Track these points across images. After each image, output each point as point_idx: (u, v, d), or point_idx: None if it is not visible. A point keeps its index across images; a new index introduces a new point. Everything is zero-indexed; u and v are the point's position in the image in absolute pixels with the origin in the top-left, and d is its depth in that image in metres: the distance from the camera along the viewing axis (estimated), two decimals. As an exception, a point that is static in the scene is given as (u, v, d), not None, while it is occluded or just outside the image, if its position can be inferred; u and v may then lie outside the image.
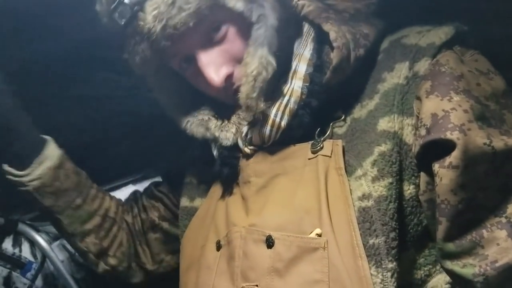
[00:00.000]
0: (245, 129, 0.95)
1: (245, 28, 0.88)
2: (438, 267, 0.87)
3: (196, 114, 0.99)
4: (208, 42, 0.89)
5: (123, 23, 0.86)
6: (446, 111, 0.79)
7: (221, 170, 1.00)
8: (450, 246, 0.79)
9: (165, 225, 1.24)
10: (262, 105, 0.89)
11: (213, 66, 0.89)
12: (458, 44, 0.88)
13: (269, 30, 0.85)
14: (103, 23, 0.92)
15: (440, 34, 0.87)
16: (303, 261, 0.82)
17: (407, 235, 0.84)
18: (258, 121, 0.92)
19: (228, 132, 0.96)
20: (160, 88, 1.01)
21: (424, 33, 0.89)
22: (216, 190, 1.05)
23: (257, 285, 0.85)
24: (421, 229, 0.86)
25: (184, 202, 1.14)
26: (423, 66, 0.85)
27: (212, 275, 0.93)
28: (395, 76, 0.87)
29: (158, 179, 1.41)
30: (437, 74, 0.83)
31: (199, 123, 0.98)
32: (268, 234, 0.85)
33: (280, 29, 0.86)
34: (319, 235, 0.81)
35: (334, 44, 0.87)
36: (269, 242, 0.85)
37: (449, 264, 0.80)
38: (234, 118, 0.96)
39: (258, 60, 0.85)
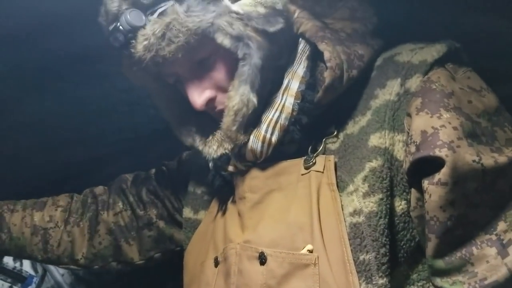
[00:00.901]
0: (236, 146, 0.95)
1: (232, 61, 0.89)
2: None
3: (188, 123, 1.01)
4: (196, 69, 0.91)
5: (117, 46, 0.88)
6: (436, 128, 0.78)
7: (213, 180, 1.02)
8: (440, 263, 0.78)
9: (161, 224, 1.22)
10: (241, 137, 0.91)
11: (197, 90, 0.92)
12: (450, 61, 0.88)
13: (253, 69, 0.87)
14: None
15: (432, 51, 0.87)
16: (295, 278, 0.81)
17: (400, 251, 0.84)
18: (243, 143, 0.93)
19: (210, 148, 0.96)
20: (158, 96, 1.02)
21: (417, 50, 0.89)
22: (215, 205, 1.05)
23: None
24: (414, 245, 0.85)
25: (188, 213, 1.14)
26: (414, 83, 0.85)
27: None
28: (387, 92, 0.87)
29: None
30: (427, 91, 0.83)
31: (188, 133, 1.00)
32: (261, 251, 0.85)
33: (266, 66, 0.88)
34: (311, 251, 0.81)
35: (328, 64, 0.87)
36: (262, 259, 0.85)
37: (438, 281, 0.80)
38: (218, 135, 0.96)
39: (239, 97, 0.87)
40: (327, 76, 0.87)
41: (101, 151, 1.64)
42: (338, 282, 0.78)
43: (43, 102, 1.34)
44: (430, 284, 0.85)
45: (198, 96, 0.91)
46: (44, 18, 1.04)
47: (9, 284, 1.70)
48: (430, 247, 0.79)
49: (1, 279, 1.70)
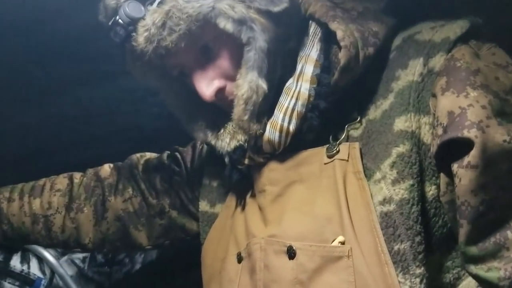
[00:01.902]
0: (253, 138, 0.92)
1: (237, 47, 0.86)
2: None
3: (197, 118, 0.97)
4: (201, 58, 0.88)
5: (118, 41, 0.86)
6: (463, 108, 0.74)
7: (230, 175, 0.98)
8: (473, 250, 0.75)
9: (174, 213, 1.18)
10: (254, 127, 0.87)
11: (205, 80, 0.88)
12: (473, 38, 0.84)
13: (259, 53, 0.84)
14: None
15: (454, 28, 0.83)
16: (327, 271, 0.78)
17: (433, 238, 0.80)
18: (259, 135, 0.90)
19: (223, 142, 0.94)
20: (166, 91, 0.99)
21: (438, 28, 0.85)
22: (233, 199, 1.02)
23: None
24: (446, 231, 0.81)
25: (204, 206, 1.10)
26: (438, 62, 0.81)
27: None
28: (410, 73, 0.83)
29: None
30: (452, 69, 0.79)
31: (199, 129, 0.97)
32: (289, 245, 0.82)
33: (273, 49, 0.85)
34: (342, 243, 0.78)
35: (342, 44, 0.83)
36: (291, 253, 0.81)
37: (473, 269, 0.76)
38: (230, 127, 0.93)
39: (248, 84, 0.84)
40: (342, 56, 0.83)
41: (105, 151, 1.63)
42: (373, 274, 0.75)
43: (47, 103, 1.33)
44: (465, 271, 0.81)
45: (207, 87, 0.88)
46: (47, 19, 1.03)
47: (17, 287, 1.70)
48: (462, 233, 0.75)
49: (9, 283, 1.68)
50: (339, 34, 0.84)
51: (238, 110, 0.86)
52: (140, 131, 1.57)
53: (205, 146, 1.16)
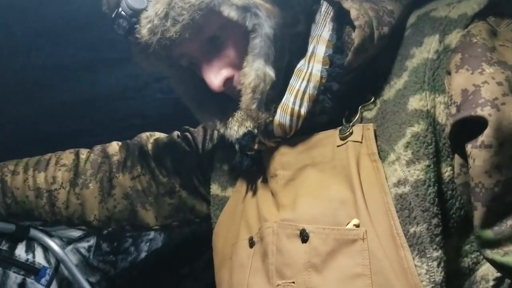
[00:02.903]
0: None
1: (242, 35, 0.84)
2: None
3: (207, 106, 0.97)
4: (207, 48, 0.87)
5: (122, 34, 0.85)
6: (477, 85, 0.71)
7: (241, 161, 0.97)
8: (488, 234, 0.72)
9: (184, 193, 1.17)
10: (263, 116, 0.87)
11: (213, 70, 0.88)
12: (492, 14, 0.81)
13: (265, 40, 0.82)
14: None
15: (472, 4, 0.81)
16: (341, 255, 0.77)
17: (450, 221, 0.78)
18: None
19: (231, 130, 0.93)
20: (175, 80, 0.98)
21: (454, 4, 0.83)
22: (243, 184, 1.01)
23: (293, 282, 0.81)
24: (463, 214, 0.79)
25: (216, 190, 1.09)
26: (454, 38, 0.79)
27: (246, 273, 0.89)
28: (425, 50, 0.81)
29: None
30: (468, 45, 0.76)
31: (208, 117, 0.96)
32: (302, 228, 0.81)
33: (280, 35, 0.84)
34: (357, 226, 0.76)
35: (356, 23, 0.81)
36: (304, 236, 0.80)
37: (489, 253, 0.73)
38: (238, 115, 0.92)
39: (254, 72, 0.83)
40: (356, 36, 0.81)
41: (108, 138, 1.62)
42: (389, 257, 0.74)
43: (49, 91, 1.32)
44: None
45: (215, 77, 0.87)
46: (49, 5, 1.01)
47: (22, 277, 1.70)
48: (477, 216, 0.73)
49: (14, 272, 1.69)
50: (353, 13, 0.82)
51: (246, 99, 0.85)
52: (144, 118, 1.56)
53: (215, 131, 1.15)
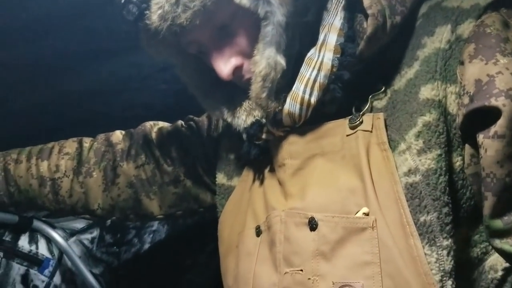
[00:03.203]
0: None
1: (253, 23, 0.84)
2: None
3: (214, 95, 0.96)
4: (217, 35, 0.87)
5: (131, 20, 0.84)
6: (491, 75, 0.72)
7: (249, 151, 0.97)
8: (498, 223, 0.73)
9: (188, 182, 1.16)
10: (273, 105, 0.86)
11: (222, 58, 0.87)
12: (504, 6, 0.81)
13: (277, 28, 0.82)
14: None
15: None
16: (350, 243, 0.77)
17: (460, 211, 0.79)
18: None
19: (239, 119, 0.93)
20: (182, 68, 0.98)
21: None
22: (250, 174, 1.01)
23: (301, 270, 0.81)
24: (473, 204, 0.80)
25: (221, 179, 1.09)
26: (467, 28, 0.79)
27: (252, 261, 0.89)
28: (436, 40, 0.81)
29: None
30: (481, 35, 0.76)
31: (215, 106, 0.96)
32: (310, 216, 0.81)
33: (292, 23, 0.83)
34: (367, 214, 0.77)
35: (369, 12, 0.81)
36: (312, 224, 0.80)
37: (498, 243, 0.75)
38: (246, 105, 0.92)
39: (266, 61, 0.83)
40: (370, 25, 0.81)
41: (112, 128, 1.62)
42: (398, 246, 0.74)
43: (52, 80, 1.32)
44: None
45: (224, 65, 0.87)
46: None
47: (26, 268, 1.70)
48: (487, 206, 0.74)
49: (18, 263, 1.69)
50: (366, 2, 0.81)
51: (256, 88, 0.85)
52: (147, 108, 1.55)
53: (220, 120, 1.15)
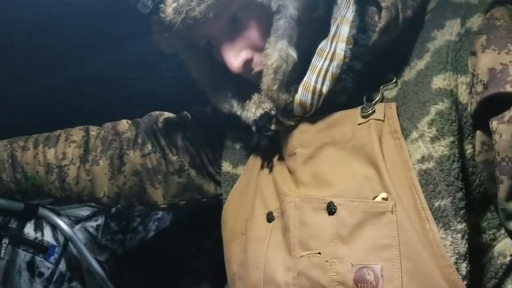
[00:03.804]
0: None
1: (266, 16, 0.86)
2: (503, 231, 0.84)
3: (223, 88, 0.99)
4: (229, 29, 0.89)
5: (146, 13, 0.86)
6: (505, 64, 0.76)
7: (259, 142, 0.98)
8: None
9: (192, 172, 1.18)
10: (283, 97, 0.89)
11: (233, 51, 0.89)
12: (509, 2, 0.85)
13: (289, 21, 0.84)
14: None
15: None
16: (368, 226, 0.80)
17: (469, 197, 0.82)
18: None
19: (248, 112, 0.95)
20: (191, 62, 1.00)
21: None
22: (256, 162, 1.03)
23: (319, 253, 0.83)
24: (483, 191, 0.83)
25: (227, 167, 1.11)
26: (476, 22, 0.83)
27: (264, 247, 0.91)
28: (446, 33, 0.85)
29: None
30: (492, 27, 0.80)
31: (224, 99, 0.98)
32: (329, 201, 0.83)
33: (303, 17, 0.85)
34: (385, 199, 0.79)
35: (383, 4, 0.85)
36: (331, 209, 0.83)
37: None
38: (255, 97, 0.95)
39: (277, 53, 0.85)
40: (383, 17, 0.85)
41: (116, 117, 1.62)
42: (416, 230, 0.77)
43: (55, 69, 1.32)
44: (501, 232, 0.84)
45: (235, 58, 0.89)
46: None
47: (31, 255, 1.72)
48: (502, 189, 0.77)
49: (23, 250, 1.71)
50: None
51: (267, 80, 0.87)
52: (152, 97, 1.55)
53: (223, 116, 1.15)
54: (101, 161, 1.18)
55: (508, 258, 0.84)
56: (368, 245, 0.79)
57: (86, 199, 1.21)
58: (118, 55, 1.31)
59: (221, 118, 1.15)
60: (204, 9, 0.83)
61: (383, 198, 0.79)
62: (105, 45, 1.26)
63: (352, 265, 0.79)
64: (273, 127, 0.95)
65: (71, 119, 1.49)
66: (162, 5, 0.84)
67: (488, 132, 0.79)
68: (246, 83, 0.93)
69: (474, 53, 0.81)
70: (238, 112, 0.96)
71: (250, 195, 1.00)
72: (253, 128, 0.97)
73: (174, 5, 0.83)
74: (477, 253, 0.83)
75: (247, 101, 0.95)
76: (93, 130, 1.23)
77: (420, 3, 0.89)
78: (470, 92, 0.81)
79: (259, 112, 0.94)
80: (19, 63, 1.24)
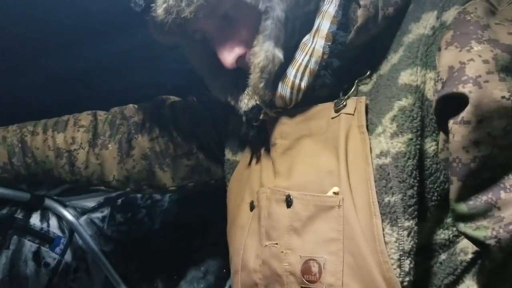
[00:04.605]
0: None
1: (256, 15, 0.88)
2: None
3: (219, 78, 1.01)
4: (222, 25, 0.91)
5: (139, 11, 0.88)
6: (463, 62, 0.74)
7: (247, 132, 1.02)
8: (462, 207, 0.76)
9: (201, 155, 1.23)
10: (269, 94, 0.92)
11: (226, 47, 0.92)
12: None
13: (276, 23, 0.86)
14: None
15: None
16: (319, 220, 0.83)
17: (434, 194, 0.83)
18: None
19: (241, 102, 0.98)
20: (189, 52, 1.03)
21: None
22: (250, 151, 1.07)
23: (277, 244, 0.87)
24: (447, 187, 0.82)
25: (228, 154, 1.15)
26: (451, 15, 0.81)
27: (244, 234, 0.96)
28: (421, 26, 0.84)
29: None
30: (460, 23, 0.78)
31: (220, 89, 1.01)
32: (287, 194, 0.87)
33: (291, 16, 0.87)
34: (336, 193, 0.82)
35: (361, 3, 0.85)
36: (288, 202, 0.86)
37: (462, 227, 0.77)
38: (248, 89, 0.97)
39: (264, 53, 0.87)
40: (360, 15, 0.85)
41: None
42: (362, 225, 0.79)
43: (61, 60, 1.32)
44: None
45: (228, 55, 0.91)
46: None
47: (37, 245, 1.73)
48: (453, 190, 0.76)
49: (29, 240, 1.73)
50: None
51: (254, 77, 0.90)
52: (158, 88, 1.55)
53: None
54: (109, 145, 1.21)
55: (470, 256, 0.83)
56: (316, 238, 0.82)
57: (95, 183, 1.24)
58: (124, 44, 1.31)
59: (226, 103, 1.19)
60: (194, 10, 0.85)
61: (334, 192, 0.81)
62: (111, 35, 1.26)
63: (301, 257, 0.83)
64: (261, 116, 0.97)
65: (76, 109, 1.50)
66: (153, 5, 0.86)
67: (448, 131, 0.78)
68: (242, 74, 0.95)
69: (439, 49, 0.79)
70: (232, 103, 0.99)
71: (244, 183, 1.04)
72: (243, 119, 1.00)
73: (164, 5, 0.85)
74: (438, 249, 0.84)
75: (241, 92, 0.98)
76: (101, 114, 1.26)
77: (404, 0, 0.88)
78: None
79: (251, 104, 0.96)
80: (24, 52, 1.24)
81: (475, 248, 0.83)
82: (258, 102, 0.96)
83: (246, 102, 0.97)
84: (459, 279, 0.85)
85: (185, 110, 1.24)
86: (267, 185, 0.94)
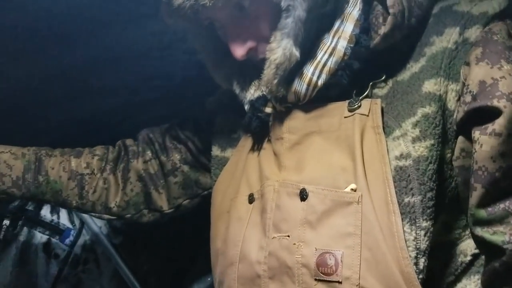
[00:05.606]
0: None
1: (274, 10, 0.90)
2: (467, 232, 0.92)
3: (224, 64, 1.03)
4: (236, 16, 0.93)
5: None
6: (495, 78, 0.82)
7: (250, 122, 1.04)
8: (482, 213, 0.83)
9: (185, 168, 1.27)
10: (282, 90, 0.94)
11: (239, 39, 0.94)
12: (509, 18, 0.90)
13: (296, 22, 0.88)
14: None
15: (493, 4, 0.90)
16: (336, 214, 0.86)
17: (445, 198, 0.89)
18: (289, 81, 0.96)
19: (247, 92, 1.00)
20: (195, 38, 1.04)
21: (476, 2, 0.91)
22: (246, 144, 1.09)
23: (288, 236, 0.89)
24: (456, 193, 0.90)
25: (215, 151, 1.18)
26: (474, 33, 0.88)
27: (243, 226, 0.97)
28: (444, 40, 0.90)
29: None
30: (489, 41, 0.86)
31: (224, 76, 1.03)
32: (302, 187, 0.90)
33: (311, 16, 0.89)
34: (354, 190, 0.85)
35: (391, 11, 0.89)
36: (303, 195, 0.89)
37: (479, 231, 0.84)
38: (256, 80, 0.99)
39: (282, 50, 0.89)
40: (389, 22, 0.89)
41: (132, 99, 1.64)
42: (380, 221, 0.83)
43: (73, 50, 1.33)
44: (466, 233, 0.91)
45: (239, 46, 0.93)
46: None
47: (47, 236, 1.76)
48: (475, 196, 0.83)
49: (40, 232, 1.75)
50: (390, 1, 0.89)
51: (268, 73, 0.92)
52: (168, 79, 1.56)
53: (216, 98, 1.24)
54: (116, 172, 1.28)
55: (469, 257, 0.91)
56: (333, 232, 0.85)
57: (99, 208, 1.29)
58: (135, 34, 1.32)
59: (211, 104, 1.23)
60: None
61: (352, 189, 0.85)
62: (122, 24, 1.27)
63: (316, 250, 0.86)
64: (267, 110, 1.00)
65: (88, 98, 1.52)
66: None
67: (469, 140, 0.85)
68: (248, 63, 0.98)
69: (468, 64, 0.86)
70: (237, 91, 1.01)
71: (238, 175, 1.06)
72: (246, 107, 1.02)
73: None
74: (441, 250, 0.89)
75: (247, 82, 1.00)
76: (112, 148, 1.33)
77: (425, 11, 0.93)
78: (459, 100, 0.87)
79: (257, 94, 0.99)
80: (34, 43, 1.25)
81: (473, 250, 0.91)
82: (264, 93, 0.98)
83: (252, 92, 1.00)
84: (457, 279, 0.92)
85: (165, 129, 1.31)
86: (272, 178, 0.96)
